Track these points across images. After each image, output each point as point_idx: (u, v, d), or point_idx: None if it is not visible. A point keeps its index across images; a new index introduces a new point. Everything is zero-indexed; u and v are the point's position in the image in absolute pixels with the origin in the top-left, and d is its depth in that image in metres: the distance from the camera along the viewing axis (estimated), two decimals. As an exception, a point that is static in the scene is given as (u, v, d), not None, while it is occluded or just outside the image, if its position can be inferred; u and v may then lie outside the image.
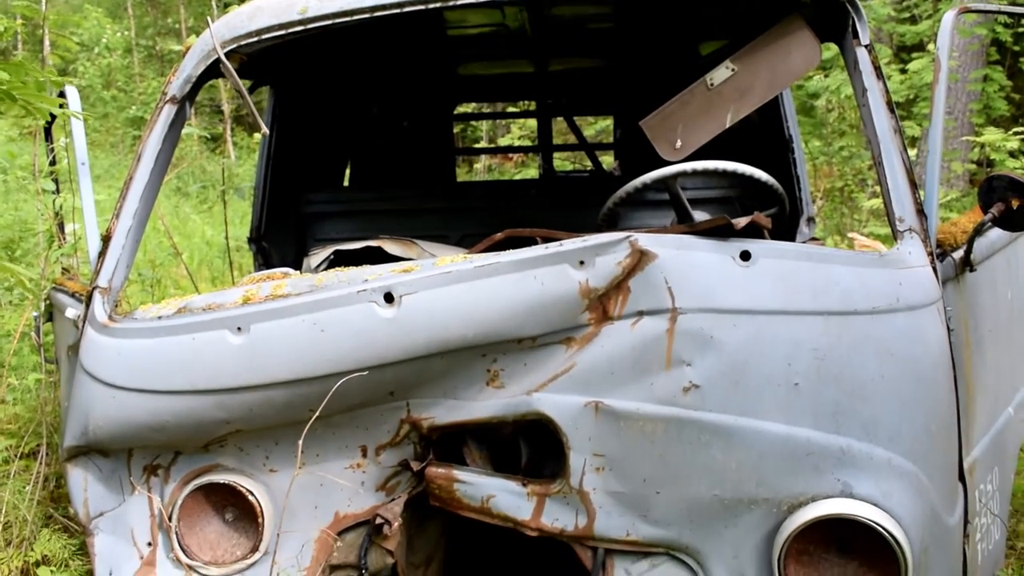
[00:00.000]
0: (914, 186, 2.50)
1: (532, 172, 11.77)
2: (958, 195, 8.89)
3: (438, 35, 4.05)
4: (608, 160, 8.00)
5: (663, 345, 2.11)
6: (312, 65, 4.06)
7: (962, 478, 2.47)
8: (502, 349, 2.23)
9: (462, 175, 14.54)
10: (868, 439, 2.13)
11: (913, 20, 12.05)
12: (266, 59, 2.83)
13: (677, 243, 2.18)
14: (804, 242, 3.81)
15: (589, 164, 6.49)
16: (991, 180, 2.48)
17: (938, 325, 2.29)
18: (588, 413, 2.15)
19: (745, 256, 2.17)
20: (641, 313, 2.14)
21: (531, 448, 2.36)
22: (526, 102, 7.81)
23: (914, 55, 10.67)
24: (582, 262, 2.16)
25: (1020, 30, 12.25)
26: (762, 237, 2.30)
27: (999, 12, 3.10)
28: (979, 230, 2.45)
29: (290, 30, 2.55)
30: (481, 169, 12.59)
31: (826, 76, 10.09)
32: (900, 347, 2.18)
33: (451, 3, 2.52)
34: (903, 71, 10.07)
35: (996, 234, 2.79)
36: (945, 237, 2.59)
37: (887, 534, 2.06)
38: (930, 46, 9.60)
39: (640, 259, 2.14)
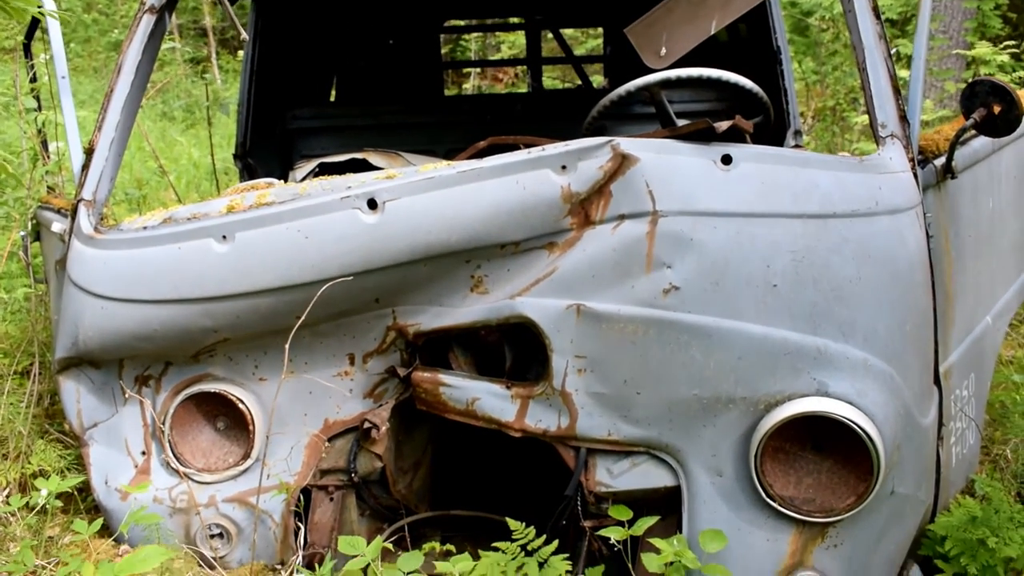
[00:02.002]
0: (897, 92, 2.50)
1: (522, 91, 11.66)
2: (951, 113, 8.84)
3: None
4: (598, 79, 7.91)
5: (644, 248, 2.13)
6: None
7: (937, 382, 2.52)
8: (485, 255, 2.25)
9: (451, 91, 14.38)
10: (844, 339, 2.16)
11: (909, -66, 11.81)
12: None
13: (659, 147, 2.19)
14: None
15: (578, 83, 6.42)
16: (973, 85, 2.47)
17: (917, 230, 2.31)
18: (570, 316, 2.18)
19: (726, 160, 2.18)
20: (622, 217, 2.16)
21: (515, 352, 2.40)
22: (515, 19, 7.69)
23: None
24: (564, 167, 2.16)
25: (1018, -55, 12.02)
26: (744, 142, 2.31)
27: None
28: (960, 136, 2.46)
29: None
30: (471, 89, 12.43)
31: (819, -8, 9.94)
32: (878, 250, 2.20)
33: None
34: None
35: (979, 143, 2.78)
36: (927, 144, 2.60)
37: (860, 431, 2.11)
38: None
39: (622, 163, 2.15)
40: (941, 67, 9.60)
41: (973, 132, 2.55)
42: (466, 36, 11.32)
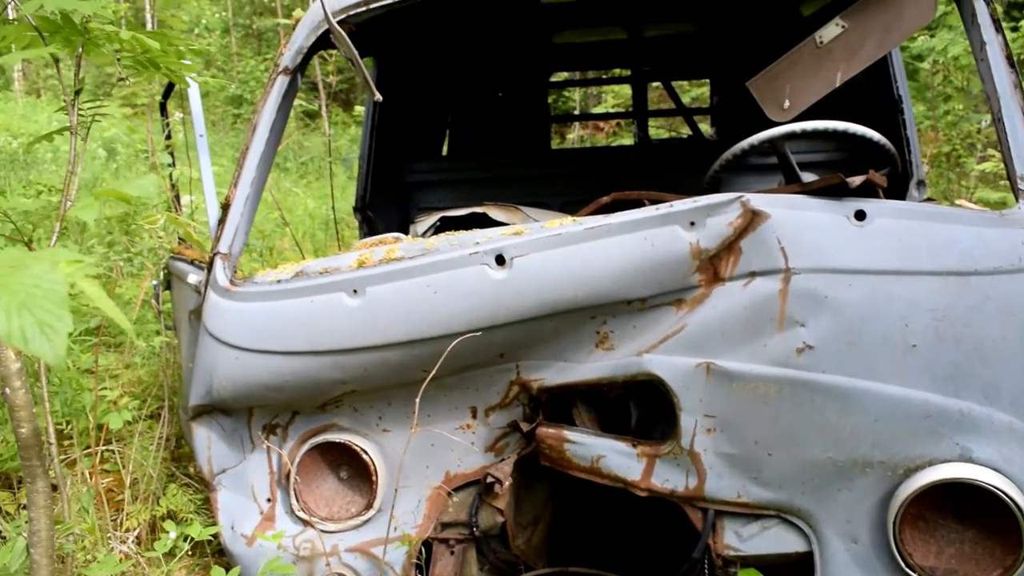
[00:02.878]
0: (1037, 143, 2.41)
1: (625, 142, 11.68)
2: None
3: (532, 4, 4.05)
4: (704, 127, 7.87)
5: (776, 306, 2.09)
6: (413, 35, 4.11)
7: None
8: (612, 311, 2.24)
9: (554, 147, 14.48)
10: (989, 402, 2.07)
11: (1026, -25, 11.46)
12: (371, 29, 2.89)
13: (789, 203, 2.16)
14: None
15: (685, 133, 6.40)
16: None
17: None
18: (700, 374, 2.15)
19: (860, 215, 2.13)
20: (753, 274, 2.13)
21: (641, 409, 2.38)
22: (621, 70, 7.74)
23: (1028, 12, 10.18)
24: (693, 223, 2.15)
25: None
26: (876, 196, 2.26)
27: None
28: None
29: (400, 1, 2.60)
30: (574, 140, 12.52)
31: (932, 37, 9.70)
32: (1022, 308, 2.11)
33: None
34: (1015, 29, 9.61)
35: None
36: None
37: (1008, 500, 2.01)
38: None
39: (752, 219, 2.12)
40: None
41: None
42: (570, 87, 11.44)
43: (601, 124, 12.64)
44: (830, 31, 2.71)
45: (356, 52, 2.45)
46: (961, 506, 2.12)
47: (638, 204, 2.50)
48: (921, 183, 3.72)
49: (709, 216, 2.14)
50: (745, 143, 2.69)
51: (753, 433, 2.14)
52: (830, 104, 2.87)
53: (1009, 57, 2.52)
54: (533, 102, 5.29)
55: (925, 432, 2.07)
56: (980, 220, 2.21)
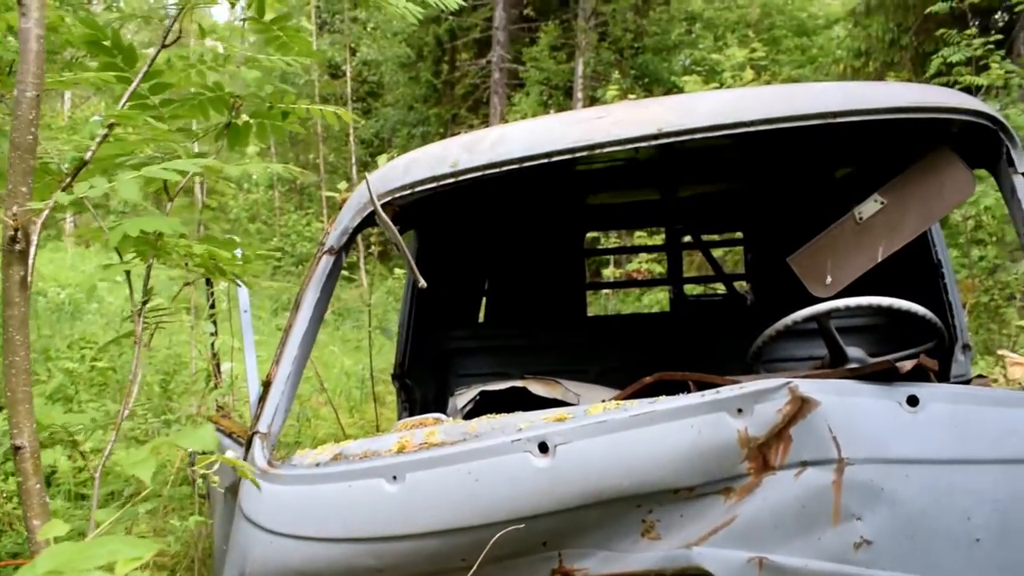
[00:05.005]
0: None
1: (660, 293, 11.72)
2: None
3: (568, 170, 4.14)
4: (740, 282, 7.88)
5: (830, 498, 2.02)
6: (453, 208, 4.20)
7: None
8: (658, 499, 2.17)
9: (589, 297, 14.56)
10: None
11: None
12: (415, 207, 2.96)
13: (839, 389, 2.11)
14: (963, 374, 3.62)
15: (720, 288, 6.40)
16: None
17: None
18: (751, 569, 2.05)
19: (913, 401, 2.08)
20: (804, 463, 2.06)
21: None
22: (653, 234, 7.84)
23: None
24: (740, 410, 2.10)
25: None
26: (927, 380, 2.21)
27: None
28: None
29: (442, 182, 2.65)
30: (609, 276, 12.59)
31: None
32: None
33: (597, 149, 2.57)
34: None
35: None
36: None
37: None
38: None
39: (801, 406, 2.07)
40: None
41: None
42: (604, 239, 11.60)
43: (635, 274, 12.75)
44: (869, 207, 2.72)
45: (399, 236, 2.49)
46: None
47: (682, 384, 2.46)
48: (967, 347, 3.66)
49: (757, 403, 2.09)
50: (789, 319, 2.67)
51: None
52: (876, 271, 2.87)
53: None
54: (568, 266, 5.34)
55: None
56: (1038, 404, 2.14)
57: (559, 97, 19.33)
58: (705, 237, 5.50)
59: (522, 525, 2.16)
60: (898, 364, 2.13)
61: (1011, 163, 2.58)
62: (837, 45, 17.92)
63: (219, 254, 2.27)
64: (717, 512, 2.13)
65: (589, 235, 6.57)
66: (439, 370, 4.34)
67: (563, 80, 19.47)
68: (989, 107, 2.64)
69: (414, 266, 2.42)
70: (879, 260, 2.67)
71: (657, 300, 11.89)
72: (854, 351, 2.73)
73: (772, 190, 4.81)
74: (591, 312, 7.93)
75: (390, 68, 23.46)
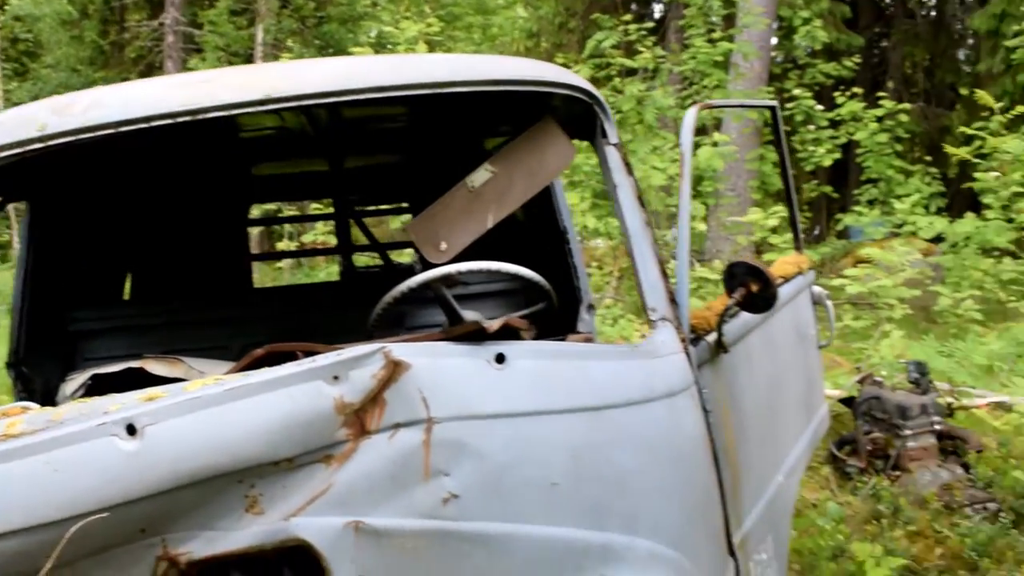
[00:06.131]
0: (665, 276, 2.62)
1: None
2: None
3: (230, 139, 3.96)
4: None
5: (420, 456, 2.08)
6: (75, 175, 3.86)
7: (732, 553, 2.55)
8: (259, 473, 2.13)
9: (268, 271, 14.19)
10: (629, 531, 2.16)
11: (696, 105, 12.92)
12: (13, 175, 2.67)
13: (431, 351, 2.18)
14: (589, 332, 3.91)
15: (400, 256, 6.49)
16: (731, 267, 2.63)
17: (693, 410, 2.38)
18: (348, 534, 2.07)
19: (500, 359, 2.18)
20: (398, 425, 2.10)
21: (297, 574, 2.25)
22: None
23: (696, 139, 11.43)
24: (336, 377, 2.11)
25: (788, 112, 13.41)
26: (519, 338, 2.33)
27: (737, 106, 3.37)
28: (725, 315, 2.59)
29: (28, 147, 2.41)
30: (290, 260, 12.33)
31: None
32: (656, 437, 2.24)
33: (201, 115, 2.46)
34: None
35: (749, 315, 2.94)
36: (699, 322, 2.72)
37: None
38: (715, 135, 10.33)
39: (394, 370, 2.11)
40: (733, 223, 10.35)
41: (736, 309, 2.70)
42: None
43: (317, 245, 12.60)
44: (480, 176, 2.83)
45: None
46: None
47: (296, 355, 2.43)
48: (591, 307, 3.95)
49: (352, 369, 2.11)
50: (404, 286, 2.72)
51: None
52: (503, 237, 3.00)
53: (640, 198, 2.75)
54: (230, 237, 5.12)
55: (571, 568, 2.11)
56: (614, 354, 2.34)
57: (239, 64, 18.57)
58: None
59: (107, 514, 2.03)
60: (485, 324, 2.23)
61: (604, 135, 2.79)
62: (512, 25, 18.73)
63: None
64: (317, 481, 2.13)
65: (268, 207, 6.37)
66: (65, 355, 3.99)
67: (243, 47, 18.72)
68: (585, 82, 2.83)
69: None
70: (490, 226, 2.79)
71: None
72: (471, 314, 2.84)
73: (430, 161, 4.90)
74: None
75: (49, 25, 21.28)
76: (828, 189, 15.08)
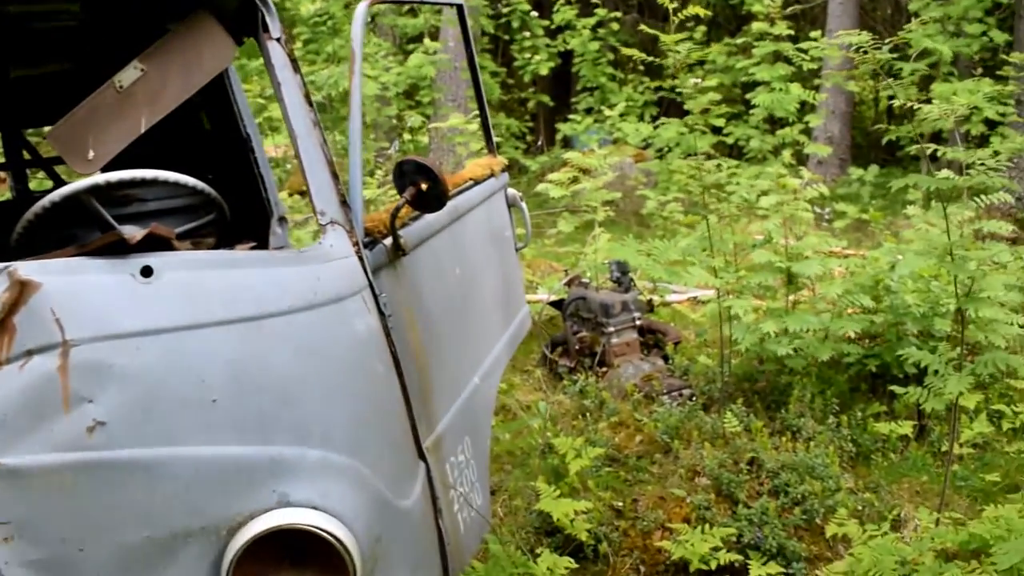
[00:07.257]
0: (336, 178, 2.52)
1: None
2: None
3: None
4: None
5: (58, 384, 1.87)
6: None
7: (423, 456, 2.55)
8: None
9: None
10: (299, 442, 2.08)
11: (413, 13, 12.76)
12: None
13: (67, 268, 1.95)
14: (282, 246, 3.75)
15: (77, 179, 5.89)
16: (400, 165, 2.57)
17: (364, 314, 2.32)
18: None
19: (147, 272, 2.00)
20: (30, 352, 1.87)
21: None
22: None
23: (411, 46, 11.29)
24: None
25: (504, 20, 13.59)
26: (172, 248, 2.15)
27: (416, 2, 3.30)
28: (396, 214, 2.53)
29: None
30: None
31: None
32: (322, 343, 2.16)
33: None
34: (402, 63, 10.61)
35: (434, 216, 2.90)
36: (376, 225, 2.65)
37: (327, 535, 2.03)
38: (427, 41, 10.23)
39: (22, 291, 1.88)
40: (445, 132, 10.40)
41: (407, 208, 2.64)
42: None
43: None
44: (129, 75, 2.57)
45: None
46: (295, 550, 2.10)
47: None
48: (283, 219, 3.78)
49: None
50: (46, 200, 2.44)
51: (58, 531, 1.88)
52: (181, 147, 2.75)
53: (307, 96, 2.61)
54: None
55: (240, 487, 2.00)
56: (277, 261, 2.23)
57: None
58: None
59: None
60: (128, 236, 2.03)
61: (266, 29, 2.61)
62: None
63: None
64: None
65: None
66: None
67: None
68: None
69: None
70: (143, 130, 2.54)
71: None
72: (130, 229, 2.61)
73: (114, 69, 4.43)
74: None
75: None
76: (545, 98, 15.55)
